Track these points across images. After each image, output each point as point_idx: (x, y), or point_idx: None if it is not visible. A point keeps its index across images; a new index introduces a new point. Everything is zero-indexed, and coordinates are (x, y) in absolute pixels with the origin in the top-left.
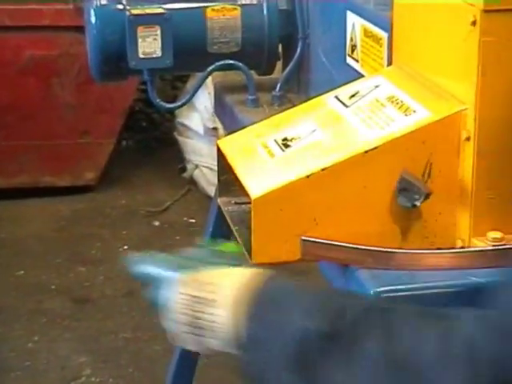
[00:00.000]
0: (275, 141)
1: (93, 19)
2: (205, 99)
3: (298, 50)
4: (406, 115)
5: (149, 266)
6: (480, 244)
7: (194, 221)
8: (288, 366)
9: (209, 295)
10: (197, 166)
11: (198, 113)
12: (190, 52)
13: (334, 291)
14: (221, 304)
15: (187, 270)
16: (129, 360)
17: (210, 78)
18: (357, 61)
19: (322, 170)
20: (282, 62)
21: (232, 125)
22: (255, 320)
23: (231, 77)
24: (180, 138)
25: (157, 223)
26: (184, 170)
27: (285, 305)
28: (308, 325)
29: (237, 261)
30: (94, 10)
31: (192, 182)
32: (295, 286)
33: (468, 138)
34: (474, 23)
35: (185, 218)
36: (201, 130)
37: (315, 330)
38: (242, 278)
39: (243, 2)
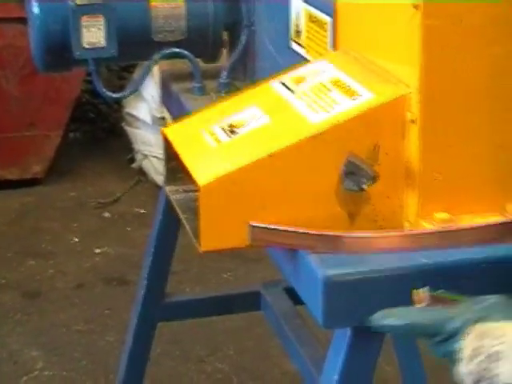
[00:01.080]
0: (221, 127)
1: (35, 9)
2: (152, 89)
3: (244, 37)
4: (351, 99)
5: (437, 316)
6: (428, 225)
7: (144, 211)
8: None
9: (500, 348)
10: (146, 156)
11: (145, 103)
12: (135, 41)
13: None
14: (510, 358)
15: (480, 318)
16: (82, 352)
17: (156, 67)
18: (302, 46)
19: (269, 155)
20: (228, 49)
21: (179, 113)
22: None
23: (178, 65)
24: (128, 129)
25: (107, 215)
26: (133, 160)
27: None
28: None
29: None
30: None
31: (141, 172)
32: None
33: (413, 121)
34: (416, 7)
35: (135, 209)
36: (149, 120)
37: None
38: None
39: None
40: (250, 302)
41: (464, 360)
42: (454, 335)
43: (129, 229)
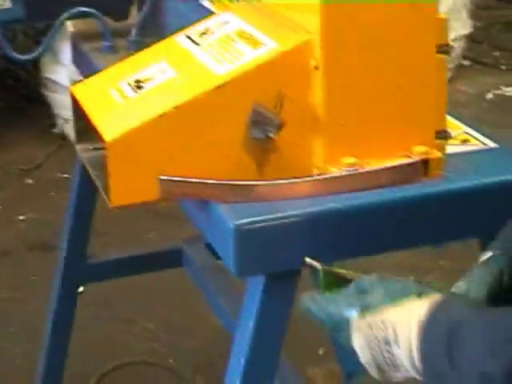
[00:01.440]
0: (128, 83)
1: None
2: (69, 52)
3: None
4: (255, 48)
5: (329, 307)
6: (335, 170)
7: (67, 176)
8: None
9: (388, 334)
10: (66, 121)
11: (63, 66)
12: (43, 1)
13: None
14: (400, 342)
15: (364, 308)
16: (10, 320)
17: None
18: (209, 0)
19: (175, 108)
20: (137, 7)
21: (90, 73)
22: (429, 359)
23: (89, 25)
24: (48, 94)
25: (30, 181)
26: (54, 125)
27: (456, 341)
28: (487, 365)
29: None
30: None
31: (63, 137)
32: (466, 313)
33: (316, 67)
34: None
35: (58, 174)
36: (67, 84)
37: (497, 376)
38: (418, 312)
39: None
40: (172, 258)
41: (358, 351)
42: (340, 325)
43: (52, 194)
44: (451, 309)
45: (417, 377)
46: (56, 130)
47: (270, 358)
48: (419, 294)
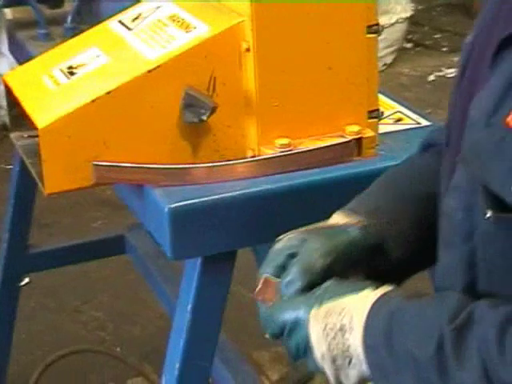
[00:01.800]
0: (61, 70)
1: None
2: None
3: None
4: (186, 32)
5: (288, 309)
6: (269, 151)
7: (11, 167)
8: None
9: (344, 321)
10: None
11: (4, 57)
12: None
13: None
14: (354, 329)
15: (317, 304)
16: None
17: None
18: None
19: (107, 93)
20: None
21: (26, 61)
22: (371, 349)
23: (25, 13)
24: None
25: None
26: None
27: (396, 330)
28: (417, 355)
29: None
30: None
31: (6, 127)
32: (406, 305)
33: (248, 49)
34: None
35: (2, 165)
36: None
37: (424, 361)
38: (373, 298)
39: None
40: (115, 246)
41: (314, 345)
42: (297, 325)
43: None
44: (391, 300)
45: (367, 371)
46: None
47: (208, 339)
48: (376, 288)
